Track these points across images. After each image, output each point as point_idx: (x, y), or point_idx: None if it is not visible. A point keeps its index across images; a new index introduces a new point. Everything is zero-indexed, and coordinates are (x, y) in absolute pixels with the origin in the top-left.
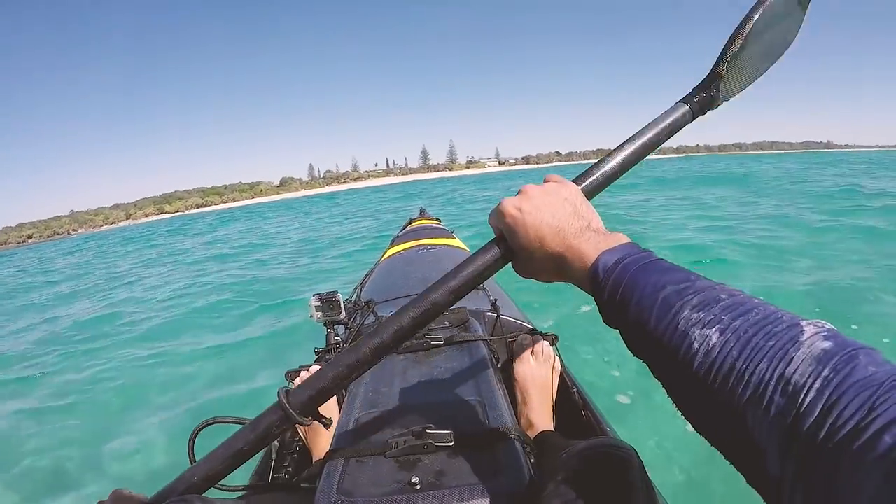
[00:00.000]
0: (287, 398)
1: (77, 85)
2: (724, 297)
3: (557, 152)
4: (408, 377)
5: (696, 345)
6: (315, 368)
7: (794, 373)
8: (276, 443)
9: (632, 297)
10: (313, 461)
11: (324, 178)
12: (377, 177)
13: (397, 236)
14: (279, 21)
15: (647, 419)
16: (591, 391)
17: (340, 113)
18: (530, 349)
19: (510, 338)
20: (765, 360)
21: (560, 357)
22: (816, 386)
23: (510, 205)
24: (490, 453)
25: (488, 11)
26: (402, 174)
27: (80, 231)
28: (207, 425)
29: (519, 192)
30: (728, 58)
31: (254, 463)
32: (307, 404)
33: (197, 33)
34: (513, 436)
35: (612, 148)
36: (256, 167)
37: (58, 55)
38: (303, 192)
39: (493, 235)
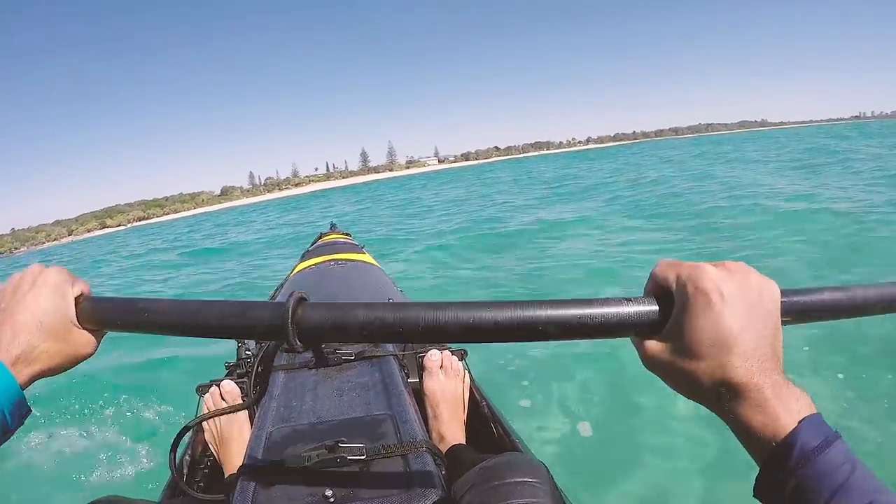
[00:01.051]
0: (295, 312)
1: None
2: None
3: (496, 147)
4: (319, 392)
5: None
6: (227, 383)
7: None
8: (187, 457)
9: None
10: (225, 476)
11: (265, 185)
12: (318, 181)
13: (308, 250)
14: (212, 26)
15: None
16: (500, 404)
17: (278, 119)
18: (440, 364)
19: (420, 353)
20: None
21: (469, 371)
22: None
23: (712, 281)
24: (402, 466)
25: (419, 9)
26: (343, 177)
27: (22, 249)
28: (186, 431)
29: (724, 264)
30: None
31: (165, 475)
32: (311, 331)
33: (130, 41)
34: (424, 449)
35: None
36: (196, 177)
37: None
38: (245, 201)
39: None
